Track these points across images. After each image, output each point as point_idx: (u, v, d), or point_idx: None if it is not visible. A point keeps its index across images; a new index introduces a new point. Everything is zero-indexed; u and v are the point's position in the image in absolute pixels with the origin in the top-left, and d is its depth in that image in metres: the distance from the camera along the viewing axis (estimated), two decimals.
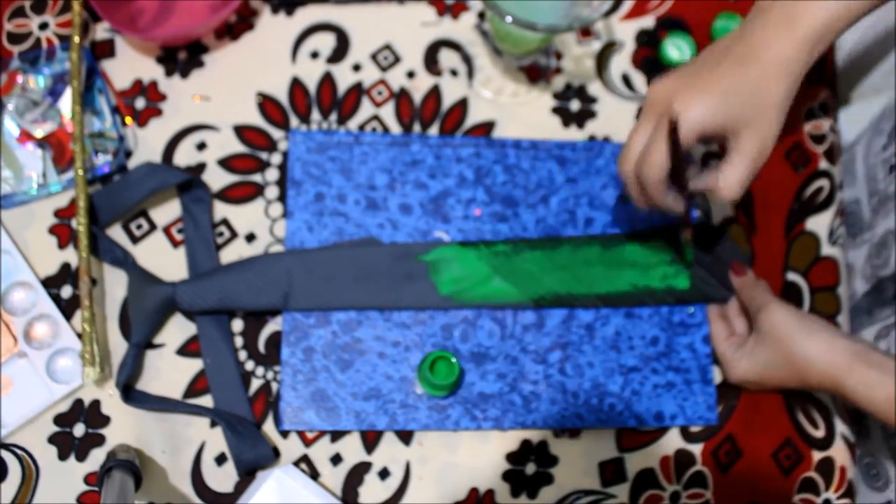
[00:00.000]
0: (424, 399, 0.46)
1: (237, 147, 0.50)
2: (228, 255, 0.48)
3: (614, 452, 0.47)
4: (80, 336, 0.46)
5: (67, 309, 0.46)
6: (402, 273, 0.47)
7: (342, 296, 0.46)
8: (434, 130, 0.52)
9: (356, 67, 0.52)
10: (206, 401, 0.46)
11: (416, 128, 0.52)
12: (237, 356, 0.46)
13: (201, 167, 0.50)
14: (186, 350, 0.46)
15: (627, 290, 0.48)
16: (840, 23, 0.36)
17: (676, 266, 0.49)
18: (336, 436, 0.46)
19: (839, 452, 0.49)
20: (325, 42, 0.52)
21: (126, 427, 0.45)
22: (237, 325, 0.47)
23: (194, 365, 0.46)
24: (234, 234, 0.49)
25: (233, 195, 0.49)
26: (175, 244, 0.48)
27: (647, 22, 0.55)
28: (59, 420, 0.45)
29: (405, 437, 0.46)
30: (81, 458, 0.44)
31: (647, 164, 0.39)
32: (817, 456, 0.49)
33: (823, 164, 0.54)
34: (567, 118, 0.53)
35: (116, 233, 0.48)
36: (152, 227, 0.48)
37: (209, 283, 0.45)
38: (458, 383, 0.46)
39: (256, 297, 0.45)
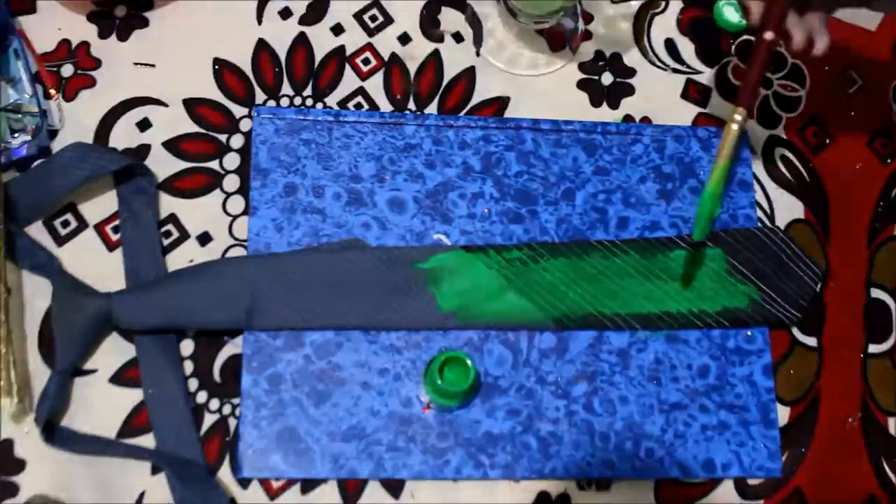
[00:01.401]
0: (418, 441, 0.46)
1: (189, 126, 0.50)
2: (177, 260, 0.48)
3: None
4: None
5: None
6: (394, 284, 0.47)
7: (318, 312, 0.47)
8: (433, 109, 0.52)
9: (337, 30, 0.53)
10: (148, 440, 0.46)
11: (411, 105, 0.52)
12: (186, 385, 0.46)
13: (144, 150, 0.50)
14: (123, 378, 0.47)
15: (671, 308, 0.49)
16: None
17: (734, 279, 0.50)
18: (308, 485, 0.46)
19: None
20: None
21: (45, 473, 0.44)
22: (187, 346, 0.47)
23: (133, 396, 0.46)
24: (184, 235, 0.49)
25: (183, 186, 0.49)
26: (110, 246, 0.49)
27: None
28: None
29: (394, 487, 0.47)
30: None
31: None
32: None
33: None
34: (597, 94, 0.54)
35: (37, 231, 0.48)
36: (82, 224, 0.49)
37: (154, 294, 0.45)
38: (474, 391, 0.46)
39: (212, 312, 0.46)
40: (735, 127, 0.45)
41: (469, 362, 0.44)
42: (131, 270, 0.48)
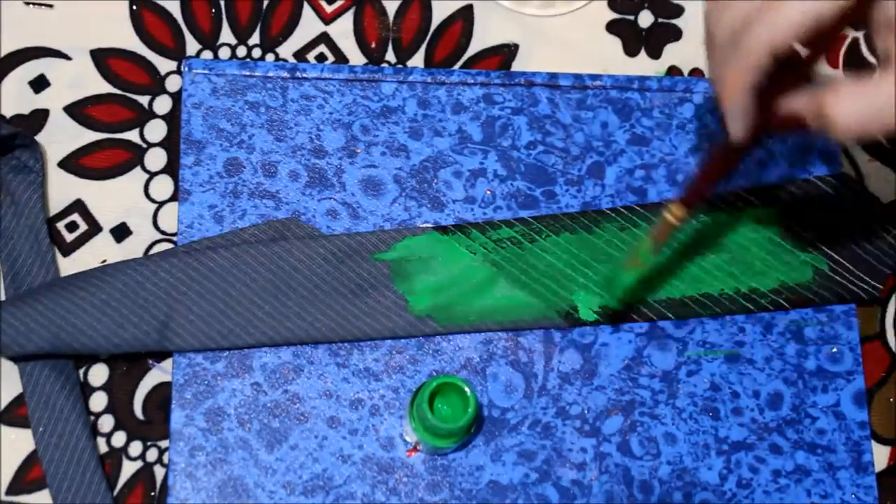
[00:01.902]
0: (402, 494, 0.45)
1: (99, 86, 0.50)
2: (85, 261, 0.48)
3: None
4: None
5: None
6: (351, 282, 0.47)
7: (254, 324, 0.46)
8: (418, 61, 0.51)
9: None
10: (43, 499, 0.44)
11: (390, 56, 0.51)
12: (90, 423, 0.45)
13: (40, 117, 0.49)
14: (13, 416, 0.45)
15: (712, 289, 0.49)
16: None
17: (793, 246, 0.50)
18: None
19: None
20: None
21: None
22: (100, 373, 0.46)
23: (22, 441, 0.45)
24: (94, 228, 0.48)
25: (92, 164, 0.49)
26: None
27: None
28: None
29: None
30: None
31: (764, 20, 0.35)
32: None
33: None
34: (633, 40, 0.53)
35: None
36: None
37: (37, 307, 0.44)
38: (474, 429, 0.46)
39: (114, 331, 0.45)
40: (672, 220, 0.41)
41: (468, 390, 0.43)
42: (11, 275, 0.46)
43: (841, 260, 0.50)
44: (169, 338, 0.45)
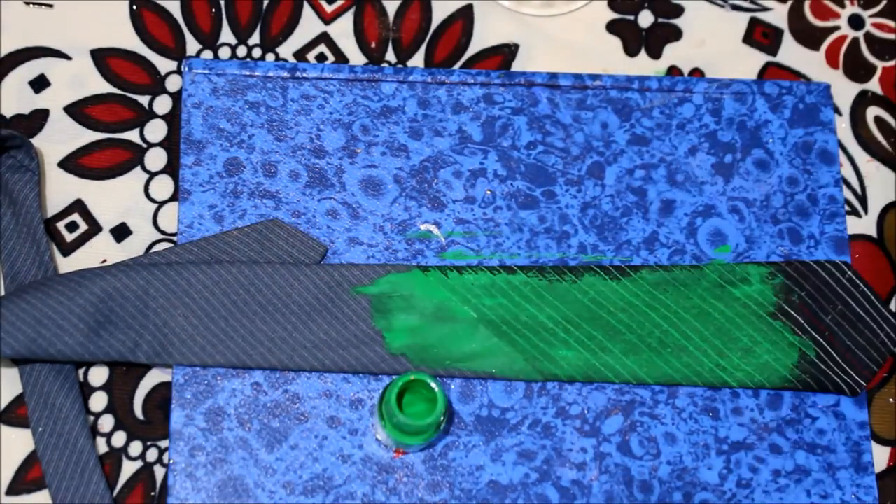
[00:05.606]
0: (402, 494, 0.45)
1: (99, 85, 0.50)
2: (84, 261, 0.48)
3: None
4: None
5: None
6: (329, 313, 0.47)
7: (224, 345, 0.46)
8: (418, 60, 0.51)
9: None
10: (43, 499, 0.44)
11: (390, 56, 0.51)
12: (89, 423, 0.45)
13: (40, 117, 0.49)
14: (9, 417, 0.45)
15: (693, 359, 0.48)
16: None
17: (782, 326, 0.48)
18: None
19: None
20: None
21: None
22: (100, 373, 0.46)
23: (22, 441, 0.45)
24: (94, 227, 0.48)
25: (92, 163, 0.49)
26: None
27: None
28: None
29: None
30: None
31: None
32: None
33: None
34: (633, 40, 0.53)
35: None
36: None
37: (18, 309, 0.44)
38: (444, 425, 0.46)
39: (90, 338, 0.44)
40: None
41: (435, 387, 0.43)
42: (12, 275, 0.46)
43: (829, 349, 0.49)
44: (143, 349, 0.45)
